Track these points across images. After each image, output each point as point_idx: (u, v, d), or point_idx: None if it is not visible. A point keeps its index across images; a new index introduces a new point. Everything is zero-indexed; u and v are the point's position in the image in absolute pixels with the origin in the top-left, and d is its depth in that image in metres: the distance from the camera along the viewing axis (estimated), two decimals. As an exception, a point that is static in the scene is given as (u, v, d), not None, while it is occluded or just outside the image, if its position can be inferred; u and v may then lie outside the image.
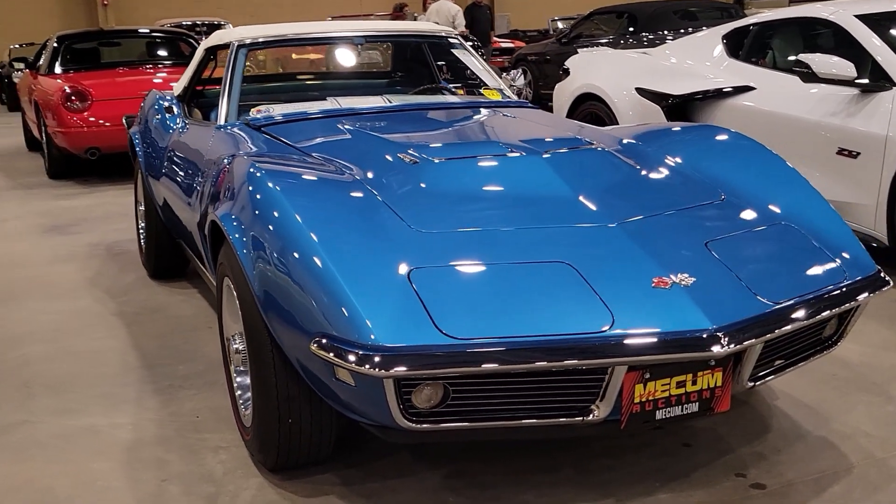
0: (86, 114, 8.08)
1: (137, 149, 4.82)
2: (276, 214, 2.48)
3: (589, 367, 2.20)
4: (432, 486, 2.69)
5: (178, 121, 4.43)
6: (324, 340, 2.21)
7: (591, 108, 6.56)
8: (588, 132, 3.54)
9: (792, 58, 5.21)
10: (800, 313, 2.40)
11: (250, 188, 2.63)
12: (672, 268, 2.39)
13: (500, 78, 4.62)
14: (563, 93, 6.96)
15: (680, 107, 5.79)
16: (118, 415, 3.24)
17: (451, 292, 2.28)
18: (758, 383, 2.50)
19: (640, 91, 6.05)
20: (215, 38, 4.46)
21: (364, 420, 2.37)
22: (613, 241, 2.50)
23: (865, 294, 2.58)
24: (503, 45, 16.43)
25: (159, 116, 4.62)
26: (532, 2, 27.01)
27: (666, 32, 10.49)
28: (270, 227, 2.47)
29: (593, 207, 2.68)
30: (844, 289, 2.54)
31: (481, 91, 4.36)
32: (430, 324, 2.17)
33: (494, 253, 2.44)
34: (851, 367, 3.47)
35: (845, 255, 2.66)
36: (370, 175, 2.86)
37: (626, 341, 2.19)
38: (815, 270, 2.58)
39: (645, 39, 10.49)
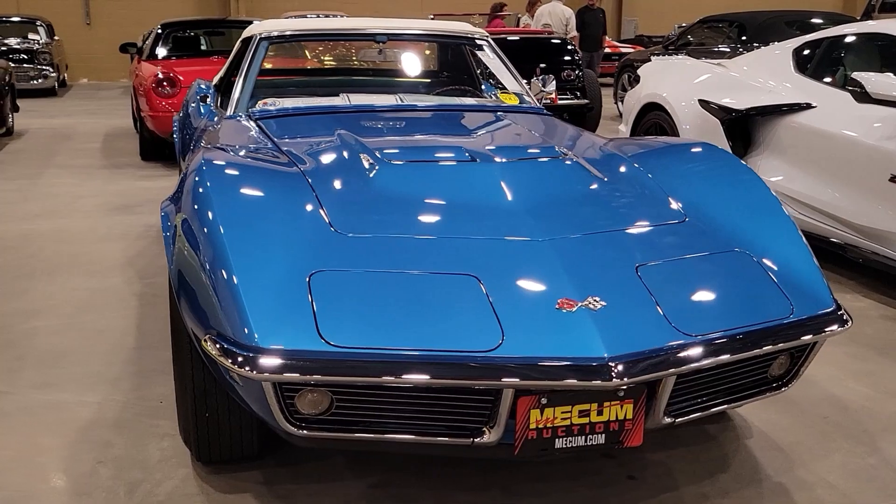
0: (174, 99, 8.34)
1: (175, 135, 4.95)
2: (195, 208, 2.48)
3: (475, 388, 2.11)
4: (353, 494, 2.65)
5: (208, 109, 4.51)
6: (214, 337, 2.20)
7: (655, 118, 6.34)
8: (577, 142, 3.40)
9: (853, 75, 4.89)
10: (721, 349, 2.23)
11: (193, 180, 2.64)
12: (586, 290, 2.26)
13: (531, 82, 4.50)
14: (631, 101, 6.75)
15: (740, 122, 5.53)
16: (90, 393, 3.32)
17: (346, 299, 2.23)
18: (680, 420, 2.34)
19: (702, 103, 5.80)
20: (250, 31, 4.52)
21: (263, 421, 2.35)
22: (535, 258, 2.39)
23: (812, 334, 2.38)
24: (607, 50, 16.09)
25: (194, 104, 4.73)
26: (662, 7, 26.36)
27: (776, 43, 10.05)
28: (191, 222, 2.47)
29: (531, 221, 2.57)
30: (787, 326, 2.35)
31: (497, 94, 4.25)
32: (314, 329, 2.12)
33: (407, 261, 2.37)
34: (848, 412, 3.23)
35: (800, 290, 2.47)
36: (324, 175, 2.83)
37: (511, 364, 2.08)
38: (757, 304, 2.40)
39: (754, 49, 10.08)
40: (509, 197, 2.69)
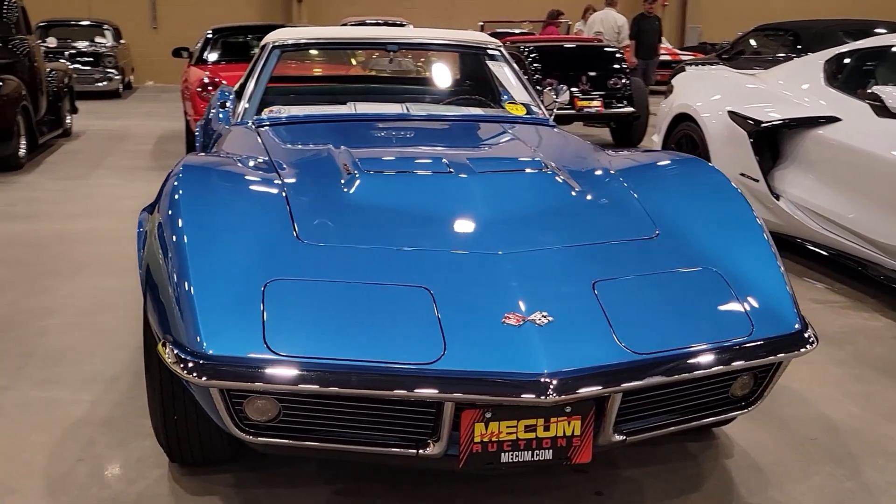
0: (219, 104, 8.51)
1: (197, 141, 5.05)
2: (168, 213, 2.54)
3: (414, 400, 2.12)
4: (320, 499, 2.68)
5: (226, 115, 4.60)
6: (170, 343, 2.25)
7: (686, 129, 6.27)
8: (569, 155, 3.39)
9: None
10: (670, 367, 2.21)
11: (170, 186, 2.70)
12: (534, 305, 2.26)
13: (544, 92, 4.49)
14: (663, 112, 6.68)
15: (768, 134, 5.43)
16: (85, 391, 3.41)
17: (297, 308, 2.26)
18: (633, 438, 2.31)
19: (731, 115, 5.72)
20: (267, 38, 4.60)
21: None
22: (491, 271, 2.39)
23: (771, 355, 2.34)
24: (667, 58, 15.90)
25: (215, 110, 4.82)
26: (728, 14, 25.96)
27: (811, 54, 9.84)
28: (162, 226, 2.53)
29: (495, 234, 2.57)
30: (744, 346, 2.31)
31: (504, 105, 4.25)
32: (260, 337, 2.16)
33: (365, 271, 2.39)
34: (836, 433, 3.15)
35: (764, 310, 2.42)
36: (301, 184, 2.87)
37: (449, 377, 2.09)
38: (715, 323, 2.36)
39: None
40: (479, 209, 2.69)
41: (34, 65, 9.54)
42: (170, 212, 2.54)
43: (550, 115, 4.38)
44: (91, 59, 16.63)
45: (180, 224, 2.46)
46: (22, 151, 8.69)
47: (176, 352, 2.19)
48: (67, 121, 10.92)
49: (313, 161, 3.10)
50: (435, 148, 3.42)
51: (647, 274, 2.50)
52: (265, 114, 3.92)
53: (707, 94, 6.18)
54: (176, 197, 2.58)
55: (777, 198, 5.32)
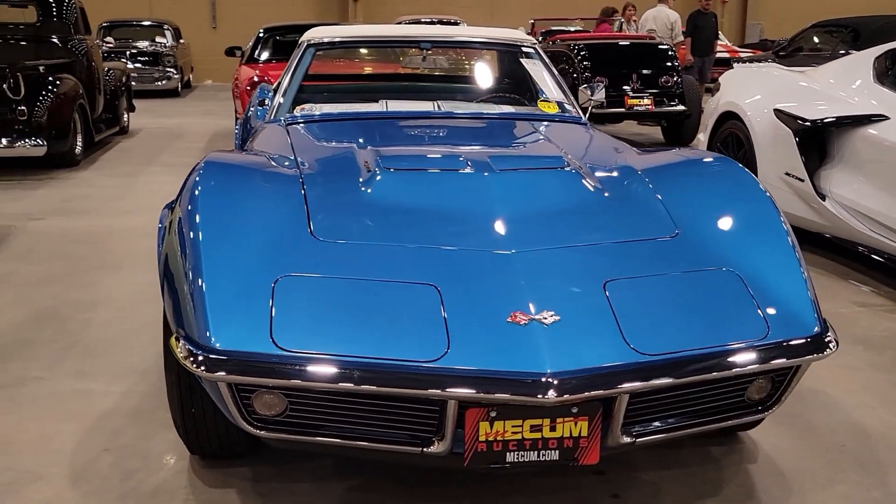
0: (267, 102, 8.62)
1: (236, 138, 5.12)
2: (187, 209, 2.58)
3: (416, 397, 2.13)
4: (331, 495, 2.70)
5: (263, 113, 4.65)
6: (182, 337, 2.28)
7: (732, 128, 6.16)
8: (595, 153, 3.36)
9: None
10: (678, 369, 2.17)
11: (191, 182, 2.74)
12: (542, 304, 2.24)
13: (579, 90, 4.45)
14: (709, 110, 6.58)
15: (815, 133, 5.31)
16: (117, 383, 3.49)
17: (305, 304, 2.28)
18: (642, 440, 2.28)
19: (777, 113, 5.60)
20: (303, 37, 4.64)
21: None
22: (501, 270, 2.38)
23: (785, 358, 2.29)
24: (719, 55, 15.62)
25: (253, 108, 4.89)
26: (791, 10, 25.44)
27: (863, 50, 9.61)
28: (181, 221, 2.57)
29: (509, 232, 2.57)
30: (758, 349, 2.26)
31: (537, 103, 4.22)
32: (267, 333, 2.18)
33: (376, 268, 2.40)
34: (867, 440, 3.07)
35: (782, 312, 2.37)
36: (321, 181, 2.89)
37: (450, 375, 2.09)
38: (729, 325, 2.32)
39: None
40: (495, 208, 2.69)
41: (92, 64, 9.77)
42: (188, 208, 2.58)
43: (585, 114, 4.34)
44: (151, 58, 16.96)
45: (197, 220, 2.50)
46: (78, 149, 8.91)
47: (186, 345, 2.23)
48: (124, 119, 11.15)
49: (335, 159, 3.13)
50: (458, 146, 3.41)
51: (662, 274, 2.46)
52: (297, 111, 3.96)
53: (753, 91, 6.07)
54: (195, 193, 2.62)
55: (823, 198, 5.20)
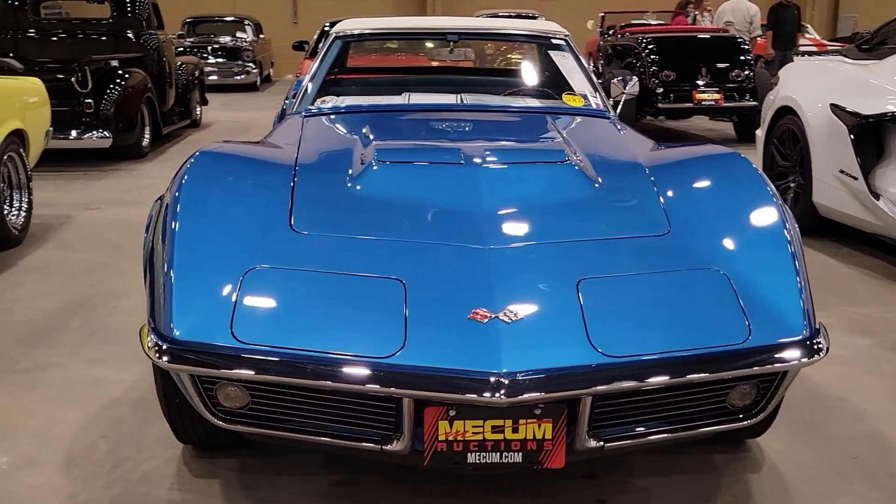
0: (328, 96, 8.67)
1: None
2: (173, 196, 2.58)
3: (368, 393, 2.09)
4: (314, 489, 2.68)
5: (290, 105, 4.67)
6: (150, 327, 2.29)
7: (788, 123, 5.93)
8: (605, 147, 3.26)
9: None
10: (645, 372, 2.08)
11: (181, 170, 2.75)
12: (506, 302, 2.18)
13: (612, 83, 4.34)
14: (767, 105, 6.35)
15: (872, 129, 5.07)
16: (129, 371, 3.53)
17: (269, 296, 2.26)
18: (611, 445, 2.19)
19: (833, 108, 5.37)
20: (334, 29, 4.63)
21: None
22: (472, 265, 2.32)
23: (765, 364, 2.17)
24: (805, 48, 15.10)
25: (287, 101, 4.90)
26: (888, 1, 24.46)
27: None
28: (166, 210, 2.57)
29: (489, 227, 2.50)
30: (735, 353, 2.15)
31: (562, 96, 4.12)
32: (228, 325, 2.17)
33: (347, 262, 2.37)
34: (884, 452, 2.91)
35: (768, 315, 2.25)
36: (313, 173, 2.88)
37: (403, 372, 2.04)
38: (707, 327, 2.21)
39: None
40: (480, 202, 2.62)
41: (163, 58, 9.99)
42: (172, 198, 2.59)
43: (617, 107, 4.23)
44: (230, 53, 17.30)
45: (178, 210, 2.51)
46: (146, 141, 9.12)
47: (152, 335, 2.23)
48: (196, 112, 11.38)
49: (335, 151, 3.11)
50: (464, 140, 3.34)
51: (643, 273, 2.36)
52: (318, 104, 3.95)
53: (810, 86, 5.82)
54: (181, 184, 2.63)
55: (877, 197, 4.96)
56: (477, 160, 2.88)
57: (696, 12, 13.36)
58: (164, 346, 2.17)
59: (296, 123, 3.71)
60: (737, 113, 10.18)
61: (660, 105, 9.84)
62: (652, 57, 10.02)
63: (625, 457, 2.81)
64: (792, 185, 5.90)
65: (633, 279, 2.34)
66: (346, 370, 2.07)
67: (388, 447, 2.16)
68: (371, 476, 2.71)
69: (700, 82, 9.90)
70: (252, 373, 2.10)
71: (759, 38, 13.43)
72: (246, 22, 18.80)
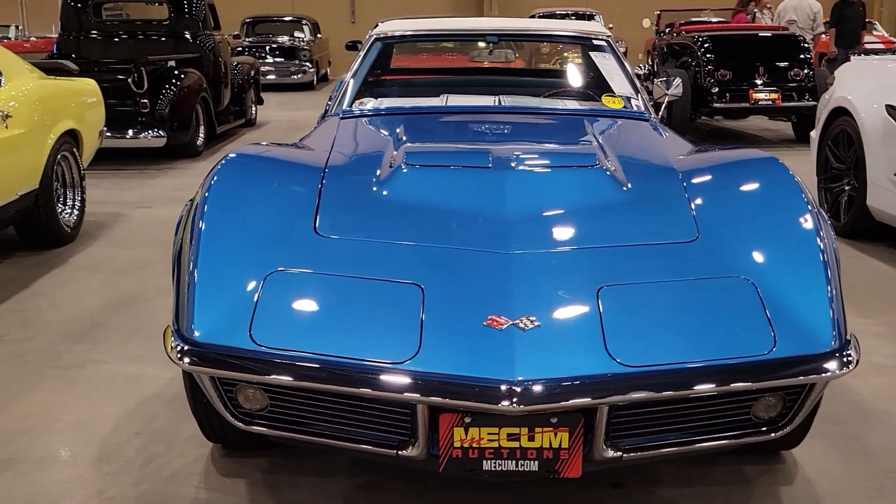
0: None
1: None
2: (202, 197, 2.61)
3: (382, 399, 2.09)
4: (336, 491, 2.69)
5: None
6: (173, 329, 2.32)
7: (843, 124, 5.78)
8: (639, 151, 3.21)
9: None
10: (663, 382, 2.04)
11: (212, 172, 2.78)
12: (524, 308, 2.15)
13: (655, 84, 4.28)
14: (822, 106, 6.20)
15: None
16: (167, 369, 3.55)
17: (289, 300, 2.27)
18: (630, 455, 2.15)
19: (889, 109, 5.22)
20: (374, 30, 4.64)
21: None
22: (492, 271, 2.30)
23: (793, 376, 2.11)
24: (872, 45, 14.72)
25: (330, 101, 4.92)
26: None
27: None
28: (195, 211, 2.60)
29: (512, 232, 2.48)
30: (759, 364, 2.10)
31: (602, 98, 4.07)
32: (247, 327, 2.19)
33: (368, 265, 2.37)
34: (924, 468, 2.81)
35: (794, 327, 2.18)
36: (341, 176, 2.88)
37: (416, 378, 2.03)
38: (731, 338, 2.15)
39: None
40: (505, 207, 2.60)
41: (218, 59, 10.13)
42: (201, 198, 2.62)
43: (659, 109, 4.17)
44: (287, 53, 17.49)
45: (205, 212, 2.54)
46: (200, 140, 9.26)
47: (174, 336, 2.26)
48: (251, 111, 11.52)
49: (365, 155, 3.12)
50: (497, 143, 3.32)
51: (666, 281, 2.32)
52: (355, 106, 3.97)
53: (866, 86, 5.67)
54: (210, 185, 2.66)
55: (933, 202, 4.82)
56: (505, 164, 2.86)
57: (756, 10, 13.11)
58: (185, 348, 2.20)
59: (332, 125, 3.72)
60: (795, 113, 9.96)
61: (715, 105, 9.68)
62: (708, 56, 9.86)
63: (653, 466, 2.77)
64: (846, 188, 5.76)
65: (656, 287, 2.30)
66: (360, 375, 2.06)
67: (404, 452, 2.16)
68: (392, 481, 2.71)
69: (758, 81, 9.72)
70: (269, 376, 2.12)
71: (822, 36, 13.14)
72: (304, 22, 18.99)
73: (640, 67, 12.59)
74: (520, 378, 1.99)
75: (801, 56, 10.00)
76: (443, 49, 8.17)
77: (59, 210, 5.53)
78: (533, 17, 19.62)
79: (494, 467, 2.13)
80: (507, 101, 4.05)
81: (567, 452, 2.11)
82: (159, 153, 8.71)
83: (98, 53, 9.89)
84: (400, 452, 2.16)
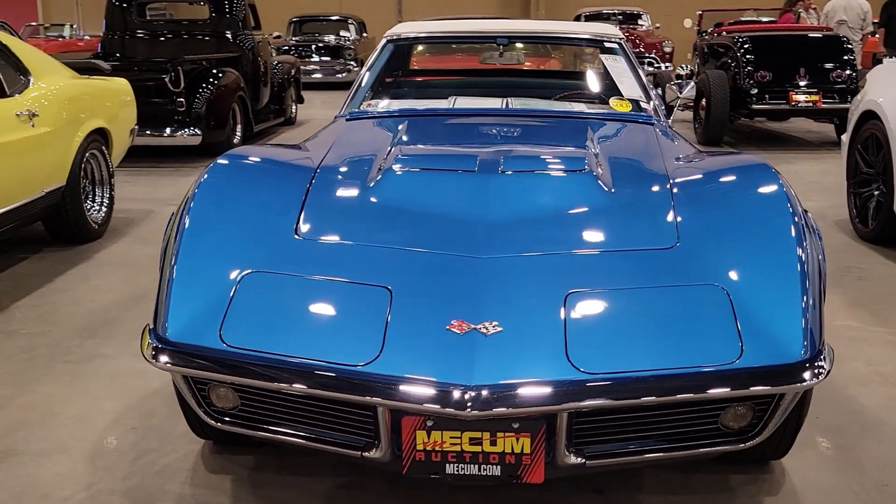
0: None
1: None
2: (187, 198, 2.66)
3: (343, 400, 2.11)
4: (318, 490, 2.71)
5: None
6: (151, 328, 2.37)
7: (872, 129, 5.66)
8: (634, 156, 3.19)
9: None
10: (621, 390, 2.03)
11: (202, 173, 2.83)
12: (488, 313, 2.16)
13: (667, 87, 4.23)
14: (852, 109, 6.08)
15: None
16: (172, 366, 3.65)
17: (260, 301, 2.31)
18: (593, 462, 2.15)
19: (917, 112, 5.11)
20: (387, 32, 4.65)
21: None
22: (461, 275, 2.31)
23: (758, 385, 2.08)
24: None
25: (347, 102, 4.96)
26: None
27: None
28: (180, 209, 2.66)
29: (487, 236, 2.48)
30: (725, 374, 2.07)
31: (610, 101, 4.04)
32: (216, 328, 2.22)
33: (340, 268, 2.40)
34: (917, 481, 2.75)
35: (764, 336, 2.15)
36: (330, 179, 2.92)
37: (375, 380, 2.05)
38: (696, 347, 2.13)
39: None
40: (486, 211, 2.61)
41: (258, 58, 10.26)
42: (187, 199, 2.67)
43: (671, 112, 4.13)
44: (333, 51, 17.64)
45: (190, 210, 2.59)
46: (236, 139, 9.39)
47: (150, 335, 2.31)
48: (291, 110, 11.64)
49: (358, 157, 3.14)
50: (487, 146, 3.30)
51: (637, 288, 2.30)
52: (364, 107, 4.00)
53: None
54: (199, 183, 2.71)
55: (959, 208, 4.70)
56: (492, 168, 2.86)
57: (801, 10, 12.89)
58: (158, 346, 2.24)
59: (336, 127, 3.76)
60: (837, 115, 9.76)
61: (753, 106, 9.54)
62: (747, 57, 9.70)
63: (635, 472, 2.75)
64: (875, 193, 5.64)
65: (625, 293, 2.28)
66: (322, 377, 2.09)
67: (368, 454, 2.18)
68: (376, 482, 2.73)
69: (801, 83, 9.55)
70: (235, 377, 2.15)
71: (871, 35, 12.87)
72: (350, 21, 19.13)
73: (682, 68, 12.41)
74: (476, 383, 2.00)
75: (845, 57, 9.80)
76: (459, 50, 8.18)
77: (88, 207, 5.65)
78: (578, 17, 19.57)
79: (457, 471, 2.14)
80: (514, 103, 4.05)
81: (529, 458, 2.11)
82: (195, 151, 8.85)
83: (143, 52, 10.09)
84: (364, 454, 2.18)
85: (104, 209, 5.88)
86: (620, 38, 4.27)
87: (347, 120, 3.83)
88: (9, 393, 3.41)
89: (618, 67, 4.15)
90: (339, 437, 2.22)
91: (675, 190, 2.77)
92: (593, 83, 4.66)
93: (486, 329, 2.12)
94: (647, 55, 17.93)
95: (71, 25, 22.23)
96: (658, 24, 19.07)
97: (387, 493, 2.68)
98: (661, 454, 2.20)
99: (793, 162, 8.94)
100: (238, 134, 9.43)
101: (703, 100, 9.86)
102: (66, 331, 4.08)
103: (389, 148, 3.15)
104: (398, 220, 2.63)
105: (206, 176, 2.75)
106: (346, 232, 2.59)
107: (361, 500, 2.67)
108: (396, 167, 2.91)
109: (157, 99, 8.47)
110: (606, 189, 2.77)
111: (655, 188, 2.81)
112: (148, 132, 8.40)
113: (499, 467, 2.13)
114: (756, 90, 9.54)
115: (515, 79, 5.07)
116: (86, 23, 23.44)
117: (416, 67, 5.70)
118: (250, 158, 2.99)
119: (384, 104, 4.07)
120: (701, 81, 10.11)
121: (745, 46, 9.80)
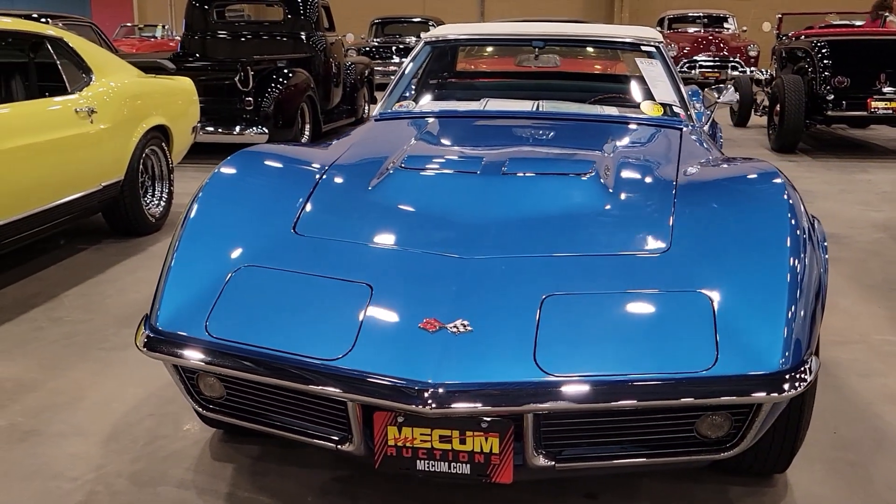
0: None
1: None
2: (202, 187, 2.76)
3: (313, 393, 2.15)
4: (313, 483, 2.76)
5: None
6: (146, 317, 2.45)
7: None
8: (647, 162, 3.14)
9: None
10: (586, 393, 2.01)
11: (216, 168, 2.91)
12: (461, 312, 2.17)
13: (704, 92, 4.17)
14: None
15: None
16: (199, 356, 3.76)
17: (247, 295, 2.36)
18: (563, 465, 2.14)
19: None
20: (426, 34, 4.69)
21: None
22: (442, 275, 2.33)
23: (730, 394, 2.04)
24: None
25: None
26: None
27: None
28: (189, 203, 2.74)
29: (472, 237, 2.49)
30: (696, 382, 2.04)
31: (641, 105, 3.99)
32: (203, 320, 2.29)
33: (329, 265, 2.44)
34: (928, 500, 2.66)
35: (743, 344, 2.11)
36: (338, 177, 2.96)
37: (345, 375, 2.09)
38: (670, 352, 2.10)
39: None
40: (481, 213, 2.62)
41: (329, 59, 10.43)
42: (196, 193, 2.75)
43: (708, 117, 4.06)
44: (405, 53, 17.81)
45: (196, 202, 2.67)
46: (305, 138, 9.56)
47: (143, 323, 2.39)
48: (363, 110, 11.80)
49: (371, 157, 3.18)
50: (498, 148, 3.28)
51: (618, 292, 2.28)
52: (395, 108, 4.04)
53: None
54: (210, 178, 2.79)
55: None
56: (495, 170, 2.87)
57: (888, 14, 12.44)
58: (145, 334, 2.33)
59: (366, 127, 3.82)
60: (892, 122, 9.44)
61: (829, 113, 9.27)
62: (825, 62, 9.43)
63: (631, 480, 2.72)
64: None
65: (604, 298, 2.26)
66: (294, 370, 2.13)
67: (343, 447, 2.22)
68: (371, 476, 2.77)
69: (887, 90, 9.24)
70: (216, 367, 2.22)
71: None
72: (430, 23, 19.24)
73: (760, 73, 12.16)
74: (438, 381, 2.02)
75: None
76: (508, 52, 8.17)
77: (146, 201, 5.85)
78: (663, 19, 19.32)
79: (427, 468, 2.16)
80: (545, 106, 4.03)
81: (498, 458, 2.12)
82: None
83: (221, 52, 10.37)
84: (339, 447, 2.22)
85: (163, 204, 6.07)
86: (659, 42, 4.21)
87: (377, 120, 3.88)
88: (42, 377, 3.57)
89: (653, 71, 4.10)
90: (317, 429, 2.27)
91: (677, 196, 2.73)
92: (630, 87, 4.61)
93: (457, 329, 2.13)
94: (731, 59, 17.60)
95: (163, 26, 22.96)
96: (745, 28, 18.67)
97: (379, 488, 2.71)
98: (635, 460, 2.18)
99: (867, 171, 8.67)
100: (307, 133, 9.60)
101: (777, 106, 9.64)
102: (107, 319, 4.24)
103: (398, 149, 3.19)
104: (392, 220, 2.67)
105: (217, 170, 2.83)
106: (340, 230, 2.63)
107: (352, 493, 2.70)
108: (401, 168, 2.94)
109: (228, 98, 8.70)
110: (606, 194, 2.75)
111: (657, 194, 2.77)
112: (218, 130, 8.65)
113: (468, 466, 2.14)
114: (832, 96, 9.27)
115: (552, 81, 5.05)
116: (178, 23, 24.16)
117: (460, 70, 5.73)
118: (261, 156, 3.06)
119: (416, 105, 4.10)
120: (776, 87, 9.88)
121: (823, 51, 9.53)
